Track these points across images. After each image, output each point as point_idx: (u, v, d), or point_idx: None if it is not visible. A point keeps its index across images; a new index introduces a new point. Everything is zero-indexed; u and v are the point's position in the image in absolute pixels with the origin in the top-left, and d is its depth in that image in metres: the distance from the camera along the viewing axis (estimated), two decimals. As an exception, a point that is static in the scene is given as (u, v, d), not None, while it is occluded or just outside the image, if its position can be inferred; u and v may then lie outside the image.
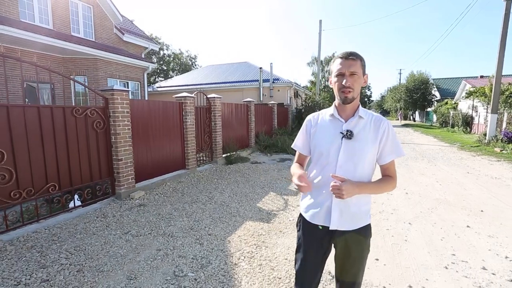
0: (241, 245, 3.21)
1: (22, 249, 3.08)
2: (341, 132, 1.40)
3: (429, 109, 31.82)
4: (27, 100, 9.02)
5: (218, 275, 2.62)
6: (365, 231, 1.45)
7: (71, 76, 4.47)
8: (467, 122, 18.65)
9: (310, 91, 25.33)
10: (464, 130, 18.26)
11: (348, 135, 1.38)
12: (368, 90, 62.70)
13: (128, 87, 11.67)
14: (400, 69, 50.61)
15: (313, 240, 1.48)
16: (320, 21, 17.79)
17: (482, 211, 4.19)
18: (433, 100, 31.55)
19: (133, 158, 5.05)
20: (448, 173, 6.66)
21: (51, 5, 9.57)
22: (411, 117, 38.63)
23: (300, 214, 1.57)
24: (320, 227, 1.44)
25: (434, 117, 27.81)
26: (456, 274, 2.60)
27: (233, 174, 6.77)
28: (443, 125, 23.17)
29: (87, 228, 3.67)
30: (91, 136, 4.49)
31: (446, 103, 24.33)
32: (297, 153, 1.66)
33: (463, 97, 21.22)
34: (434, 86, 32.19)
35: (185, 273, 2.65)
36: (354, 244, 1.43)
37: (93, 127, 4.52)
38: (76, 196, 4.48)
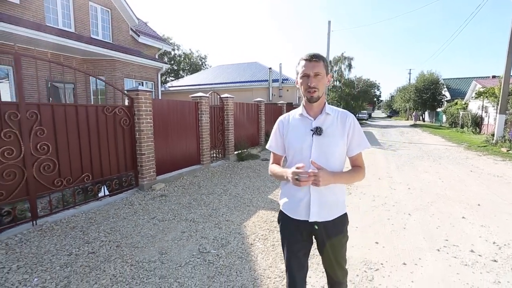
0: (256, 229, 3.61)
1: (67, 229, 3.56)
2: (311, 130, 1.49)
3: (439, 110, 31.60)
4: (51, 99, 9.63)
5: (237, 252, 3.03)
6: (341, 220, 1.55)
7: (101, 77, 4.93)
8: (477, 123, 18.60)
9: (319, 91, 25.51)
10: (473, 130, 18.22)
11: (318, 131, 1.47)
12: (378, 90, 62.15)
13: (143, 87, 12.24)
14: (410, 69, 50.21)
15: (295, 234, 1.55)
16: (329, 22, 18.02)
17: (479, 205, 4.49)
18: (443, 100, 31.32)
19: (154, 153, 5.51)
20: (451, 171, 6.92)
21: (73, 10, 10.16)
22: (420, 117, 38.37)
23: (281, 211, 1.64)
24: (301, 221, 1.52)
25: (444, 118, 27.66)
26: (446, 255, 2.94)
27: (245, 169, 7.18)
28: (453, 126, 23.07)
29: (118, 214, 4.14)
30: (118, 132, 4.96)
31: (456, 103, 24.22)
32: (272, 155, 1.72)
33: (472, 97, 21.13)
34: (444, 86, 31.93)
35: (208, 250, 3.07)
36: (333, 233, 1.52)
37: (120, 124, 4.99)
38: (103, 187, 4.97)
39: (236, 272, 2.66)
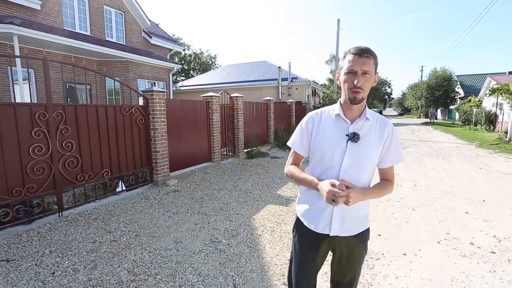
0: (264, 222, 3.82)
1: (89, 220, 3.86)
2: (346, 135, 1.31)
3: (451, 107, 31.02)
4: (68, 99, 10.09)
5: (246, 242, 3.25)
6: (364, 235, 1.42)
7: (116, 78, 5.21)
8: (490, 120, 18.25)
9: (328, 89, 25.53)
10: (487, 128, 17.90)
11: (355, 138, 1.30)
12: (389, 88, 61.30)
13: (155, 87, 12.62)
14: (422, 66, 49.18)
15: (311, 247, 1.41)
16: (338, 20, 18.04)
17: (484, 201, 4.56)
18: (456, 97, 30.72)
19: (168, 150, 5.79)
20: (459, 169, 6.94)
21: (88, 14, 10.59)
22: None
23: (298, 219, 1.49)
24: (320, 234, 1.38)
25: (457, 115, 27.16)
26: (446, 247, 3.08)
27: (254, 167, 7.40)
28: (466, 123, 22.67)
29: (135, 207, 4.42)
30: (134, 130, 5.25)
31: (470, 100, 23.75)
32: (292, 153, 1.52)
33: (486, 94, 20.70)
34: (458, 83, 31.30)
35: (220, 240, 3.31)
36: (353, 249, 1.39)
37: (136, 123, 5.28)
38: (121, 182, 5.28)
39: (246, 260, 2.87)
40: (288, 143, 1.53)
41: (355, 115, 1.35)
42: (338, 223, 1.34)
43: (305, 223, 1.42)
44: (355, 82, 1.24)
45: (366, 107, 1.38)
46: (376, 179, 1.45)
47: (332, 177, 1.31)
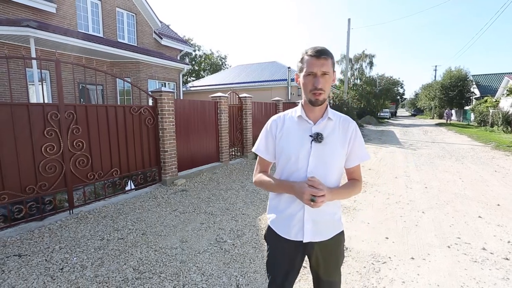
0: (270, 223, 3.81)
1: (98, 217, 3.94)
2: (310, 135, 1.31)
3: (466, 108, 30.18)
4: (81, 100, 10.35)
5: (251, 243, 3.25)
6: (339, 238, 1.40)
7: (127, 79, 5.30)
8: (508, 121, 17.62)
9: (339, 89, 25.24)
10: (504, 129, 17.29)
11: (319, 138, 1.30)
12: (401, 88, 60.10)
13: (165, 87, 12.76)
14: (436, 66, 48.02)
15: (285, 255, 1.38)
16: (349, 19, 17.81)
17: (498, 205, 4.40)
18: (471, 98, 29.87)
19: (176, 150, 5.85)
20: (473, 171, 6.73)
21: (101, 16, 10.82)
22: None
23: (269, 227, 1.44)
24: (293, 241, 1.35)
25: (472, 116, 26.40)
26: (456, 252, 2.99)
27: (262, 167, 7.39)
28: (481, 124, 21.98)
29: (143, 206, 4.49)
30: (143, 130, 5.33)
31: (486, 101, 23.04)
32: (259, 160, 1.48)
33: (504, 94, 20.05)
34: (473, 83, 30.42)
35: (225, 240, 3.31)
36: (329, 253, 1.38)
37: (145, 123, 5.35)
38: (130, 181, 5.36)
39: (250, 260, 2.87)
40: (253, 149, 1.49)
41: (317, 115, 1.35)
42: (310, 228, 1.31)
43: (277, 231, 1.39)
44: (315, 84, 1.24)
45: (328, 107, 1.38)
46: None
47: (299, 179, 1.30)
